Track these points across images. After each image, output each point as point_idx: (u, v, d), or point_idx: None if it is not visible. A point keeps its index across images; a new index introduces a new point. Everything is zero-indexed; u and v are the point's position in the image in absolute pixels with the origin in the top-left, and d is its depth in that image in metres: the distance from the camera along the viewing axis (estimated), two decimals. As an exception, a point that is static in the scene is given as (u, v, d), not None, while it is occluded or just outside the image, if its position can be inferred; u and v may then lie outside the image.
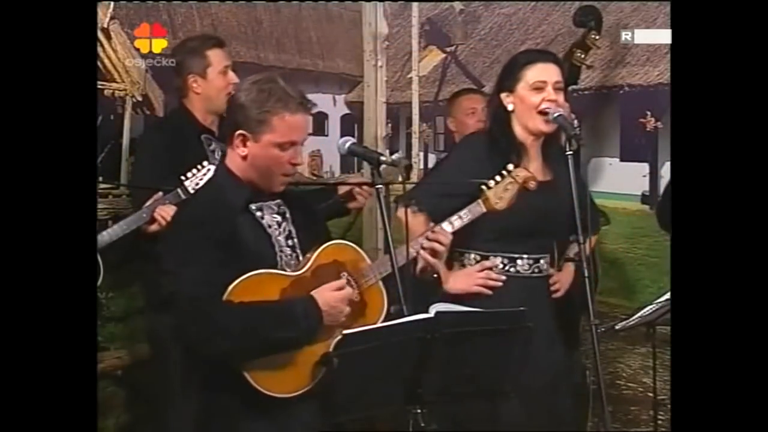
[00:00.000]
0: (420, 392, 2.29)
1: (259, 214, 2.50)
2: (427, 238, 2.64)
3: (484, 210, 2.70)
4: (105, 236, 3.20)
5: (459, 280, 2.91)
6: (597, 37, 3.94)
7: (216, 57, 3.45)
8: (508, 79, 2.97)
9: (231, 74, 3.45)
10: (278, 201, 2.55)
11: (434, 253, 2.64)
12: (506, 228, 2.88)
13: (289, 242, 2.52)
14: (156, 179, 3.30)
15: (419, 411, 2.30)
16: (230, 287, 2.34)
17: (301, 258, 2.51)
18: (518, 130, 2.97)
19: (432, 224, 2.70)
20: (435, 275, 2.74)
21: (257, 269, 2.39)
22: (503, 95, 2.97)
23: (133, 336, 4.08)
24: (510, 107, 2.95)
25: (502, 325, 2.39)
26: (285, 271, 2.46)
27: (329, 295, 2.41)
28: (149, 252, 3.17)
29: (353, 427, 2.36)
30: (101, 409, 3.37)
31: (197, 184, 3.15)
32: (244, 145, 2.45)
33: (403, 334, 2.24)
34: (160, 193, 3.21)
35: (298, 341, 2.37)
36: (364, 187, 3.33)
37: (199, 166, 3.21)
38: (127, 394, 4.10)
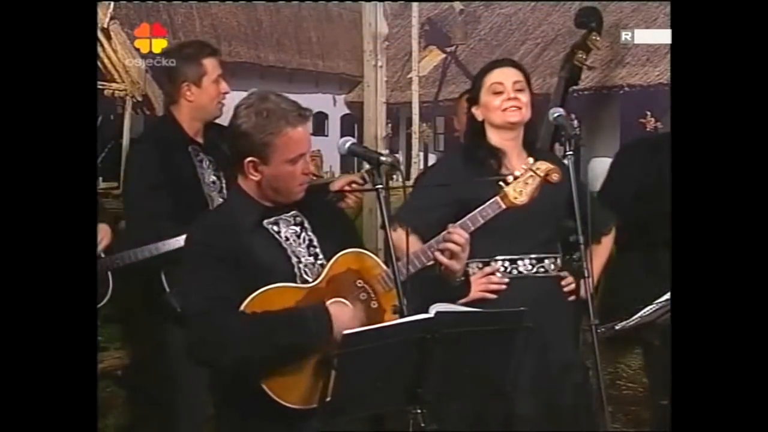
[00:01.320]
0: (420, 392, 2.29)
1: (275, 228, 2.50)
2: (443, 239, 2.60)
3: (504, 206, 2.65)
4: (118, 259, 3.22)
5: None
6: (598, 38, 3.96)
7: (211, 65, 3.41)
8: (473, 91, 3.14)
9: (223, 84, 3.43)
10: (294, 212, 2.54)
11: (451, 254, 2.55)
12: (502, 229, 2.87)
13: (311, 250, 2.52)
14: (147, 195, 3.28)
15: (419, 411, 2.29)
16: (245, 302, 2.35)
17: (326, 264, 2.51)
18: (492, 137, 3.08)
19: (450, 225, 2.65)
20: (462, 278, 2.63)
21: (271, 284, 2.39)
22: (473, 109, 3.11)
23: (133, 336, 4.07)
24: (480, 118, 3.10)
25: (502, 325, 2.39)
26: (308, 282, 2.46)
27: (338, 309, 2.42)
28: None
29: (353, 427, 2.35)
30: (101, 409, 3.37)
31: None
32: (256, 171, 2.45)
33: (402, 334, 2.23)
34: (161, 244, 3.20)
35: (308, 347, 2.36)
36: (354, 185, 3.33)
37: None
38: (127, 394, 4.10)
